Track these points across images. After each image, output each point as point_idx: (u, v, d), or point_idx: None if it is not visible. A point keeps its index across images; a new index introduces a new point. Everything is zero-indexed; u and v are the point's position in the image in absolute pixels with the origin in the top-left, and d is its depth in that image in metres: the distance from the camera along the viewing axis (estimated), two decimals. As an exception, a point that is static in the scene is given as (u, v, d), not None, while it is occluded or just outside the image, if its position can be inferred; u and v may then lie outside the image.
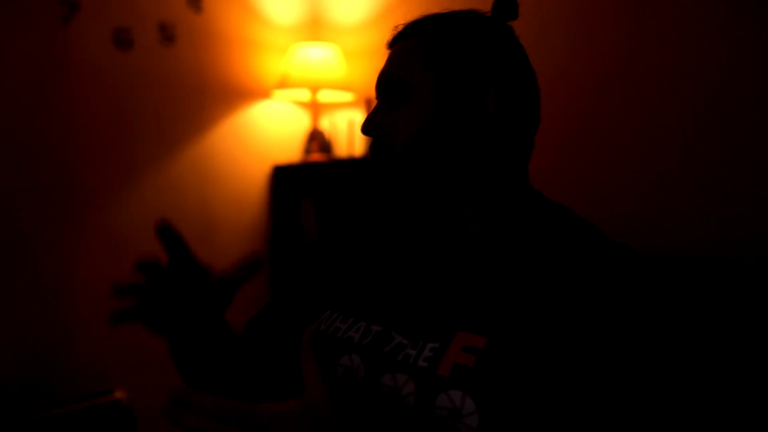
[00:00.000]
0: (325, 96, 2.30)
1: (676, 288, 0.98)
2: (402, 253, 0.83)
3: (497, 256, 0.74)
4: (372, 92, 0.82)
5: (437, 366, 0.67)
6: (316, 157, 2.28)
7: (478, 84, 0.77)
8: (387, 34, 0.84)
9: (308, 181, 2.28)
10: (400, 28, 0.83)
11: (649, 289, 0.68)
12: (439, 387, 0.66)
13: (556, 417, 0.63)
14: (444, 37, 0.78)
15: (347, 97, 2.28)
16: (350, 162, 2.20)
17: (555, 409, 0.63)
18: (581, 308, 0.65)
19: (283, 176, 2.32)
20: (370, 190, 0.81)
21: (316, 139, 2.30)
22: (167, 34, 2.14)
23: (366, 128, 0.79)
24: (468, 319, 0.70)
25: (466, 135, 0.77)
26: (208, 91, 2.23)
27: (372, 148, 0.79)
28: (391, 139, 0.77)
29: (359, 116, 2.28)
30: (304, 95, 2.31)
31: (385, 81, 0.79)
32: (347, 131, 2.31)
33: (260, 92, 2.34)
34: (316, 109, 2.36)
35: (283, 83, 2.23)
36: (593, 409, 0.62)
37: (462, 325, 0.70)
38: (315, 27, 2.46)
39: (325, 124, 2.37)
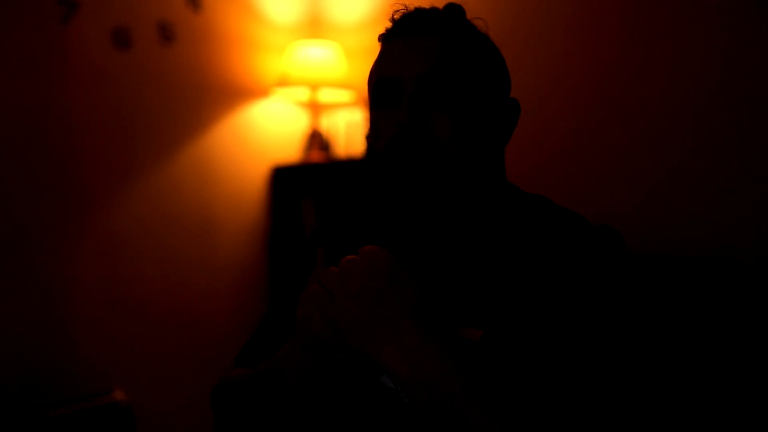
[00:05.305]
0: (324, 95, 2.30)
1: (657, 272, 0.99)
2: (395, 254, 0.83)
3: (486, 250, 0.76)
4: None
5: None
6: (316, 157, 2.27)
7: (506, 82, 0.82)
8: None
9: (308, 181, 2.28)
10: (398, 17, 0.79)
11: (628, 270, 0.72)
12: None
13: (549, 401, 0.64)
14: (475, 35, 0.80)
15: (347, 96, 2.28)
16: (350, 162, 2.19)
17: (549, 393, 0.64)
18: (567, 293, 0.68)
19: (282, 176, 2.32)
20: (398, 186, 0.75)
21: (316, 139, 2.30)
22: (166, 33, 2.13)
23: (412, 125, 0.73)
24: (463, 314, 0.71)
25: (501, 133, 0.81)
26: (207, 91, 2.23)
27: (415, 144, 0.74)
28: (443, 137, 0.74)
29: (359, 116, 2.28)
30: (304, 94, 2.31)
31: (428, 76, 0.74)
32: (347, 131, 2.31)
33: (260, 91, 2.33)
34: (315, 109, 2.36)
35: (283, 82, 2.22)
36: (584, 390, 0.63)
37: (457, 321, 0.71)
38: (314, 25, 2.46)
39: (325, 124, 2.37)
